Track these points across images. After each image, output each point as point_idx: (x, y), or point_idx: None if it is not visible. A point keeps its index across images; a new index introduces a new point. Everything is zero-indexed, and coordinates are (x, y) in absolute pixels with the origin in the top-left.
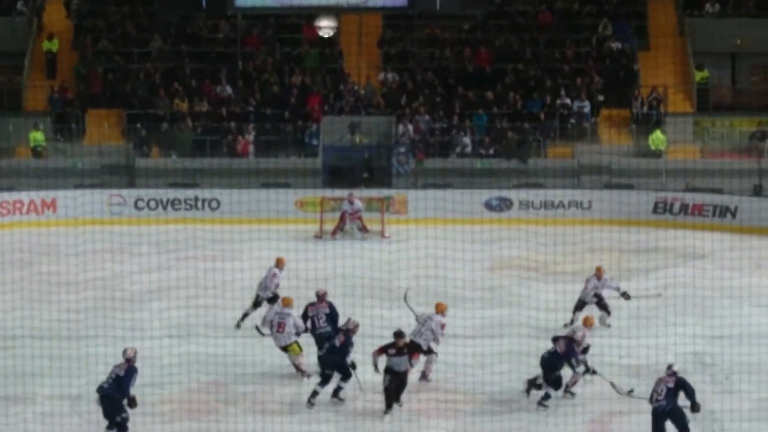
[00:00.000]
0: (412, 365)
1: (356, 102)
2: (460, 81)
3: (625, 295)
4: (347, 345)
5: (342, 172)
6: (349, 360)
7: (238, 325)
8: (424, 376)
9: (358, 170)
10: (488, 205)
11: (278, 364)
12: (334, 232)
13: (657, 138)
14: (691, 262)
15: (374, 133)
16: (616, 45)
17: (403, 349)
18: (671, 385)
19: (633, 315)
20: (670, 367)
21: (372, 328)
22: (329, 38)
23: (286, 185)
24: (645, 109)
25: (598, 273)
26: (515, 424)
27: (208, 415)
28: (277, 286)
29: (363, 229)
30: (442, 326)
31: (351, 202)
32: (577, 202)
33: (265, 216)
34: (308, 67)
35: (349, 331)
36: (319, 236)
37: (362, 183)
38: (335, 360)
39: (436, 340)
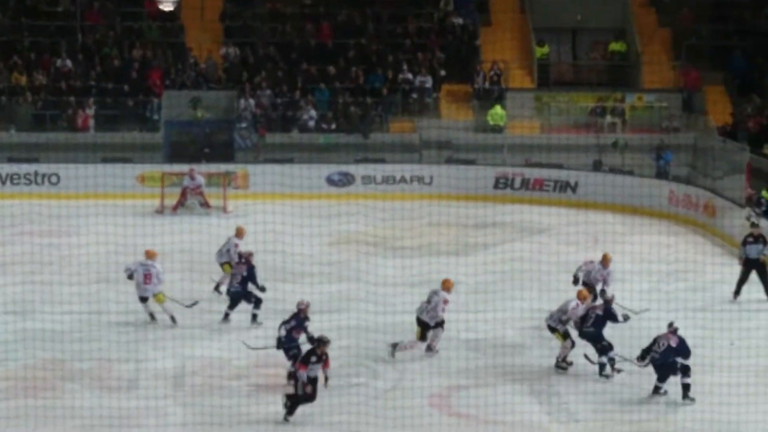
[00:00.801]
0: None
1: (198, 77)
2: (302, 56)
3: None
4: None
5: (183, 147)
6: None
7: (217, 290)
8: (429, 348)
9: (200, 145)
10: (330, 180)
11: (116, 340)
12: (175, 207)
13: (496, 113)
14: (531, 236)
15: (216, 107)
16: (457, 20)
17: (322, 356)
18: (673, 343)
19: (472, 290)
20: (671, 324)
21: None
22: (170, 12)
23: (127, 160)
24: (486, 84)
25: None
26: (354, 398)
27: (45, 391)
28: (238, 254)
29: (204, 204)
30: (445, 302)
31: (192, 177)
32: (418, 177)
33: (105, 191)
34: (149, 41)
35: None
36: (161, 211)
37: (204, 158)
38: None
39: (437, 316)
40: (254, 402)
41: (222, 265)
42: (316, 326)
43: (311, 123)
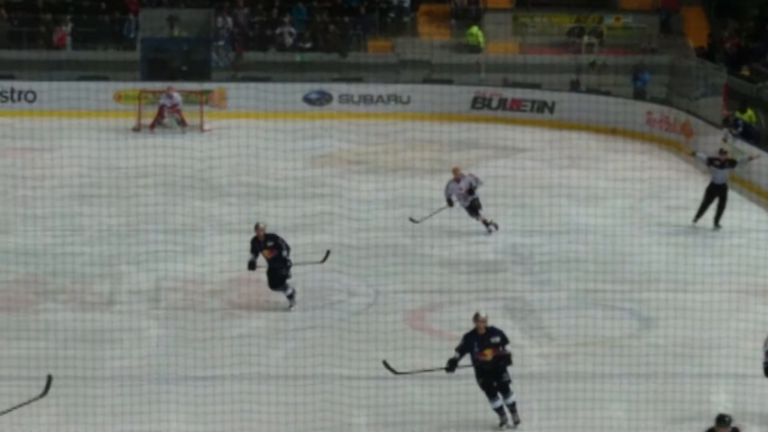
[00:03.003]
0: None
1: None
2: None
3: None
4: None
5: (160, 65)
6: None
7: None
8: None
9: (177, 63)
10: (308, 99)
11: (98, 254)
12: (152, 126)
13: (474, 33)
14: (507, 156)
15: (193, 25)
16: None
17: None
18: None
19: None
20: None
21: (193, 220)
22: None
23: (104, 78)
24: (464, 3)
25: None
26: (337, 314)
27: (21, 307)
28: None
29: (182, 122)
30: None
31: (170, 96)
32: (396, 96)
33: (82, 108)
34: None
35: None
36: (138, 129)
37: (181, 76)
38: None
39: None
40: (229, 319)
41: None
42: (296, 243)
43: (290, 40)
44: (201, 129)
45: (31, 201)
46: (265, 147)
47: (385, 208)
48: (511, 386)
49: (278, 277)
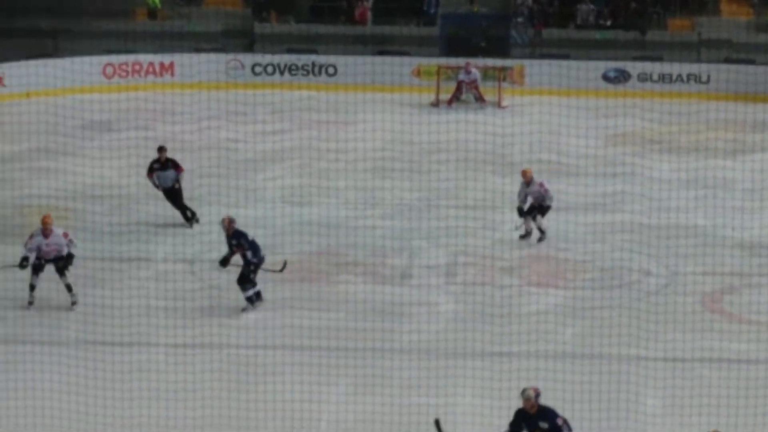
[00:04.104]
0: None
1: None
2: None
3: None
4: None
5: (459, 41)
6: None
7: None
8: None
9: (476, 39)
10: (606, 77)
11: (394, 228)
12: (450, 101)
13: None
14: None
15: (493, 2)
16: None
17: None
18: None
19: (748, 190)
20: None
21: (489, 196)
22: None
23: (404, 53)
24: None
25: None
26: (631, 294)
27: (319, 279)
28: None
29: (479, 98)
30: (541, 185)
31: (468, 72)
32: (695, 75)
33: (381, 83)
34: None
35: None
36: (436, 105)
37: (479, 52)
38: None
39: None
40: (523, 296)
41: None
42: (592, 222)
43: (589, 18)
44: (499, 105)
45: (330, 173)
46: (563, 124)
47: (683, 189)
48: None
49: (241, 275)
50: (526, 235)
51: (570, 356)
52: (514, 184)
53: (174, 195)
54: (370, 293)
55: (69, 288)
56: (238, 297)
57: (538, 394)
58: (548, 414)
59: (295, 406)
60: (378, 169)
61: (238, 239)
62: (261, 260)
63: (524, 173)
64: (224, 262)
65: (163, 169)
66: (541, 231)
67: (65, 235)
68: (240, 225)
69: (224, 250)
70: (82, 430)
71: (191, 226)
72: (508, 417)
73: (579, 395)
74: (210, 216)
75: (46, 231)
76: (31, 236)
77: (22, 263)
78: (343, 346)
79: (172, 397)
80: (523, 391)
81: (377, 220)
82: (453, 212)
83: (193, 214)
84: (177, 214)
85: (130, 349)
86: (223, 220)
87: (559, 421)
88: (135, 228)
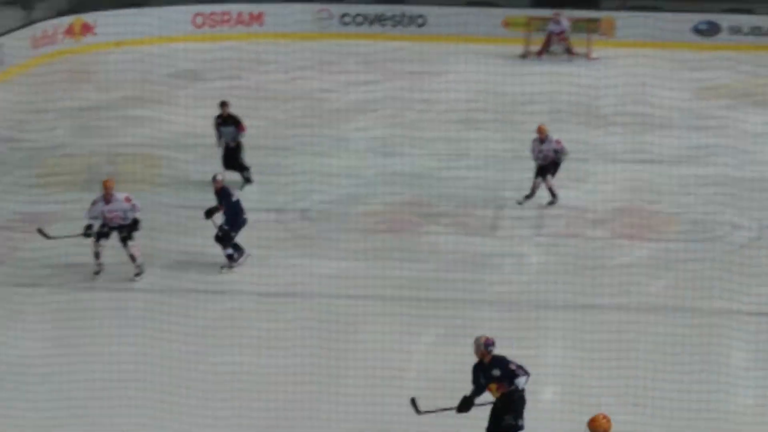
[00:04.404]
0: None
1: None
2: None
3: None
4: None
5: None
6: None
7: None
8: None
9: None
10: (696, 30)
11: (483, 179)
12: (539, 53)
13: None
14: None
15: None
16: None
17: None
18: None
19: None
20: None
21: (578, 148)
22: None
23: (493, 4)
24: None
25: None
26: (720, 246)
27: (406, 230)
28: None
29: (569, 50)
30: (558, 142)
31: (557, 22)
32: None
33: (470, 34)
34: None
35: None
36: (525, 56)
37: (569, 4)
38: None
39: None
40: (612, 249)
41: None
42: (680, 173)
43: None
44: (588, 57)
45: (419, 124)
46: (653, 76)
47: None
48: None
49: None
50: (530, 195)
51: (659, 309)
52: (605, 136)
53: (230, 154)
54: (458, 244)
55: (133, 258)
56: (328, 246)
57: (489, 343)
58: (501, 361)
59: (384, 355)
60: (467, 120)
61: (220, 199)
62: (237, 225)
63: (540, 129)
64: (208, 213)
65: (225, 125)
66: (553, 194)
67: (127, 199)
68: (329, 174)
69: (315, 199)
70: (175, 377)
71: (243, 186)
72: (594, 369)
73: (669, 347)
74: (302, 166)
75: (107, 196)
76: (93, 203)
77: (86, 231)
78: (431, 296)
79: (263, 344)
80: (475, 340)
81: (466, 171)
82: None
83: (248, 175)
84: (263, 163)
85: (222, 297)
86: (213, 178)
87: (512, 366)
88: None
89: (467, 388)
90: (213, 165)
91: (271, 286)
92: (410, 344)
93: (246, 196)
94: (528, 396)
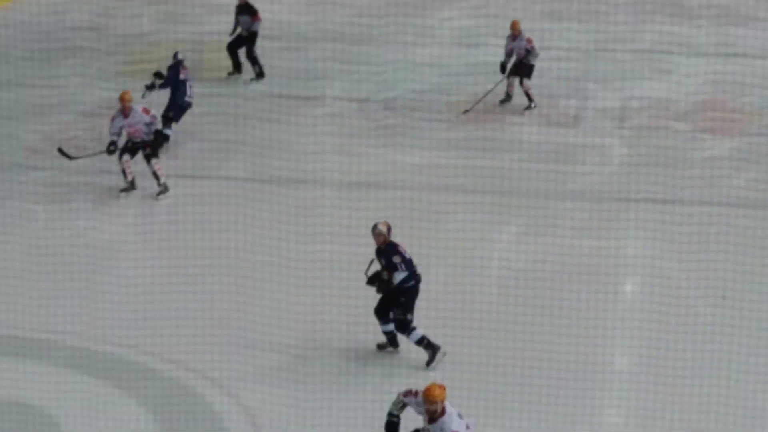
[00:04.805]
0: None
1: None
2: None
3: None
4: None
5: None
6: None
7: None
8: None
9: None
10: None
11: (565, 71)
12: None
13: None
14: None
15: None
16: None
17: None
18: None
19: None
20: None
21: (662, 41)
22: None
23: None
24: None
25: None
26: None
27: (491, 122)
28: None
29: None
30: (529, 41)
31: None
32: None
33: None
34: None
35: None
36: None
37: None
38: None
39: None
40: (695, 142)
41: None
42: (759, 67)
43: None
44: None
45: (504, 15)
46: None
47: None
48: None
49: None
50: (506, 99)
51: (744, 203)
52: (691, 29)
53: (240, 43)
54: (541, 135)
55: (156, 176)
56: (412, 136)
57: (387, 229)
58: (388, 251)
59: (467, 245)
60: (551, 12)
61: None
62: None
63: (513, 25)
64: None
65: (241, 14)
66: (529, 98)
67: (146, 111)
68: (414, 63)
69: (399, 90)
70: (259, 262)
71: (233, 74)
72: (678, 262)
73: (752, 241)
74: (386, 56)
75: (125, 110)
76: (113, 118)
77: (110, 148)
78: (515, 187)
79: (345, 233)
80: (374, 227)
81: (548, 62)
82: (628, 56)
83: (261, 69)
84: (347, 52)
85: (305, 186)
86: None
87: (396, 259)
88: (307, 66)
89: (548, 279)
90: (298, 53)
91: (355, 176)
92: (494, 233)
93: (332, 84)
94: (608, 288)
